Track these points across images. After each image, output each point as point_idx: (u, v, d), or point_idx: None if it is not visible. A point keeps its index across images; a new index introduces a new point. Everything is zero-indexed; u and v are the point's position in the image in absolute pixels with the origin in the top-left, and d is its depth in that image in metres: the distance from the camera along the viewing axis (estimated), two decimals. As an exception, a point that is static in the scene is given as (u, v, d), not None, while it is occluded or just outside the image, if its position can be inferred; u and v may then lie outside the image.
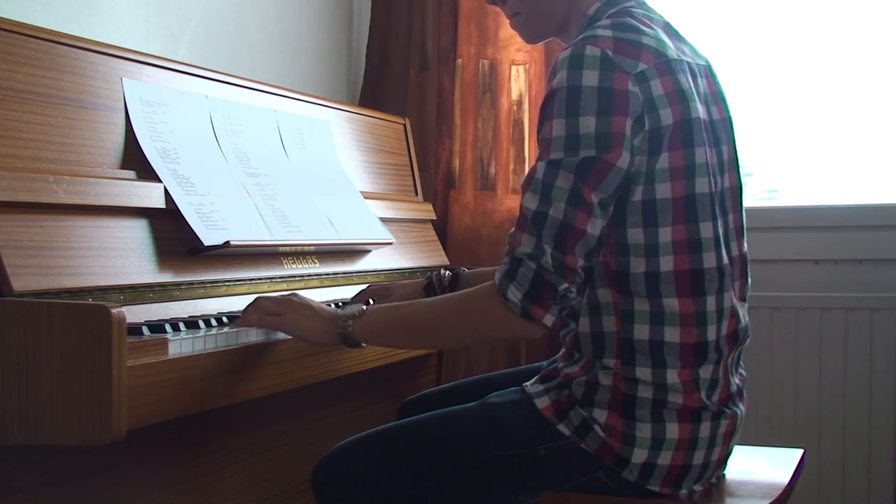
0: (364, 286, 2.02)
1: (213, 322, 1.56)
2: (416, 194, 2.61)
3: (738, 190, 1.56)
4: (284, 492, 2.03)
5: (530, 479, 1.48)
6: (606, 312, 1.45)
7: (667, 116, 1.40)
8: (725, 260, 1.47)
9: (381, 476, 1.49)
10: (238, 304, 1.74)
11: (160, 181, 1.65)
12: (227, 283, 1.74)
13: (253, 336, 1.52)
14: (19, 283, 1.32)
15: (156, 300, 1.57)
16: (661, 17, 1.56)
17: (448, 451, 1.49)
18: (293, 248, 1.92)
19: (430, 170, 2.80)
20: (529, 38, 1.66)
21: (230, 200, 1.79)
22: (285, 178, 2.00)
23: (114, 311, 1.21)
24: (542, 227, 1.36)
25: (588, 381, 1.45)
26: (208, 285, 1.69)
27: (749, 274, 1.57)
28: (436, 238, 2.57)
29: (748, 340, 1.55)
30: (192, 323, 1.51)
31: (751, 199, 2.87)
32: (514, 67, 2.76)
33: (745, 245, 1.57)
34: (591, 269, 1.45)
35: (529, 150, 2.74)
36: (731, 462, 1.57)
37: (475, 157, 2.79)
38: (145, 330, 1.41)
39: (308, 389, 1.68)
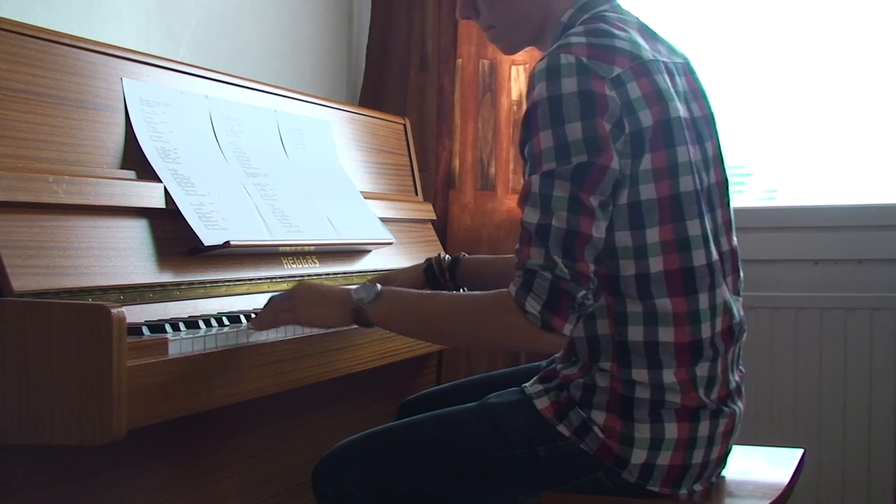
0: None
1: (213, 322, 1.56)
2: (416, 194, 2.61)
3: (724, 185, 1.56)
4: (284, 492, 2.03)
5: (530, 480, 1.48)
6: (600, 316, 1.45)
7: (646, 118, 1.40)
8: (716, 256, 1.47)
9: (381, 476, 1.49)
10: (238, 304, 1.75)
11: (160, 181, 1.65)
12: (227, 283, 1.74)
13: (253, 336, 1.52)
14: (19, 283, 1.32)
15: (156, 300, 1.57)
16: (636, 18, 1.56)
17: (448, 452, 1.49)
18: (293, 248, 1.92)
19: (430, 170, 2.80)
20: (506, 49, 1.67)
21: (230, 200, 1.79)
22: (285, 178, 2.00)
23: (114, 311, 1.21)
24: (548, 239, 1.36)
25: (586, 383, 1.45)
26: (208, 285, 1.69)
27: (741, 268, 1.57)
28: (436, 238, 2.57)
29: (744, 335, 1.55)
30: (192, 323, 1.51)
31: (751, 199, 2.87)
32: (514, 67, 2.76)
33: (735, 239, 1.57)
34: None
35: (529, 150, 2.74)
36: (730, 462, 1.57)
37: (475, 157, 2.79)
38: (145, 330, 1.41)
39: (308, 389, 1.68)
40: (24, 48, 1.50)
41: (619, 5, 1.56)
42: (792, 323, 2.59)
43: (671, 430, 1.43)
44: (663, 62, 1.49)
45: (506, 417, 1.48)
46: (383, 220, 2.26)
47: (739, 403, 1.53)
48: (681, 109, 1.46)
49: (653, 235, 1.41)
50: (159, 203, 1.64)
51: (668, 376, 1.42)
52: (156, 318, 1.50)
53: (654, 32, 1.57)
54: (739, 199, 2.87)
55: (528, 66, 2.74)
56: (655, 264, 1.42)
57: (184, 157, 1.75)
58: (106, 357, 1.21)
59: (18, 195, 1.38)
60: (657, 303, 1.42)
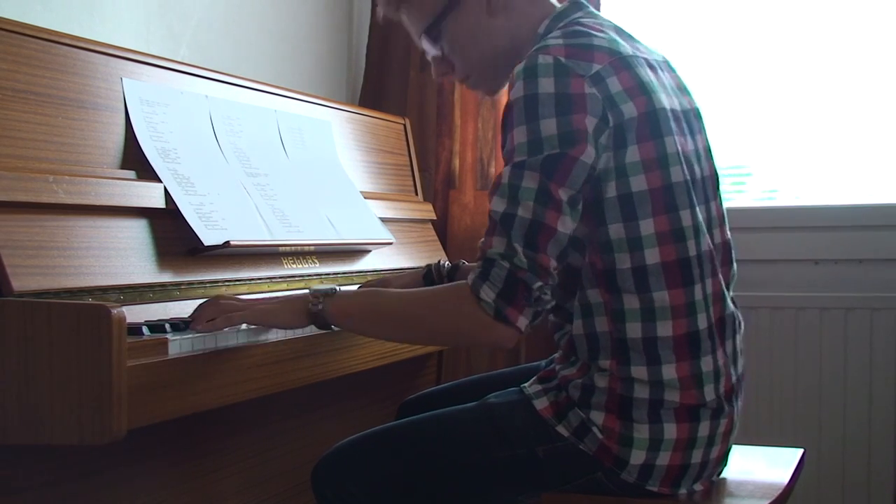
0: (364, 286, 2.02)
1: (213, 322, 1.56)
2: (416, 194, 2.61)
3: (715, 179, 1.57)
4: (284, 492, 2.04)
5: (529, 480, 1.48)
6: (598, 313, 1.45)
7: (630, 110, 1.41)
8: (709, 246, 1.47)
9: (381, 476, 1.49)
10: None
11: (160, 181, 1.65)
12: (227, 283, 1.74)
13: (252, 336, 1.52)
14: (19, 283, 1.32)
15: (156, 300, 1.57)
16: (612, 22, 1.57)
17: (447, 452, 1.49)
18: (293, 248, 1.92)
19: (430, 170, 2.81)
20: (491, 90, 1.67)
21: (230, 200, 1.79)
22: (285, 178, 2.00)
23: (114, 311, 1.21)
24: (512, 228, 1.36)
25: (584, 383, 1.45)
26: (208, 285, 1.69)
27: (734, 261, 1.57)
28: (436, 238, 2.57)
29: (742, 330, 1.55)
30: (189, 324, 1.51)
31: (751, 199, 2.87)
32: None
33: (728, 233, 1.57)
34: (580, 272, 1.45)
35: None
36: (730, 462, 1.57)
37: (475, 157, 2.79)
38: (145, 330, 1.41)
39: (308, 389, 1.68)
40: (24, 48, 1.50)
41: (593, 11, 1.57)
42: (792, 323, 2.59)
43: (670, 430, 1.42)
44: (643, 58, 1.50)
45: (505, 418, 1.48)
46: (383, 220, 2.26)
47: (738, 402, 1.53)
48: (666, 101, 1.47)
49: (647, 227, 1.41)
50: (159, 203, 1.64)
51: (668, 372, 1.42)
52: (156, 318, 1.50)
53: (630, 35, 1.58)
54: (739, 199, 2.87)
55: (528, 66, 2.73)
56: (652, 256, 1.42)
57: (184, 157, 1.75)
58: (106, 357, 1.21)
59: (18, 195, 1.38)
60: (655, 296, 1.42)
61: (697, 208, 1.47)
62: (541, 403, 1.47)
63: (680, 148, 1.46)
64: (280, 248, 1.88)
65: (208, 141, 1.85)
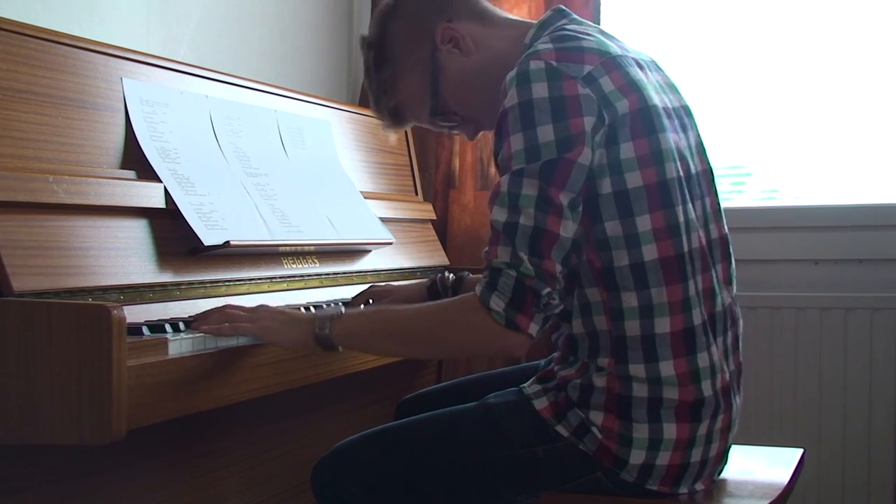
0: (364, 286, 2.02)
1: (213, 322, 1.56)
2: (416, 194, 2.61)
3: (709, 174, 1.57)
4: (284, 492, 2.04)
5: (529, 480, 1.48)
6: (597, 312, 1.45)
7: (623, 107, 1.41)
8: (700, 243, 1.47)
9: (381, 475, 1.49)
10: (238, 304, 1.74)
11: (160, 181, 1.65)
12: (227, 283, 1.74)
13: (252, 337, 1.52)
14: (19, 283, 1.32)
15: (156, 300, 1.57)
16: (597, 27, 1.58)
17: (447, 452, 1.49)
18: (293, 248, 1.92)
19: (430, 170, 2.80)
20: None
21: (230, 200, 1.79)
22: (285, 178, 2.00)
23: (114, 311, 1.21)
24: (515, 236, 1.36)
25: (583, 383, 1.45)
26: (208, 285, 1.69)
27: (732, 256, 1.58)
28: (436, 238, 2.57)
29: (739, 326, 1.55)
30: (192, 323, 1.51)
31: (751, 199, 2.87)
32: (514, 67, 2.76)
33: (726, 228, 1.58)
34: (578, 270, 1.45)
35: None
36: (730, 462, 1.57)
37: (475, 157, 2.79)
38: (145, 330, 1.41)
39: (308, 389, 1.68)
40: (24, 48, 1.50)
41: (577, 18, 1.58)
42: (792, 323, 2.59)
43: (669, 429, 1.42)
44: (632, 58, 1.51)
45: (505, 418, 1.48)
46: (383, 220, 2.26)
47: (737, 398, 1.53)
48: (657, 99, 1.47)
49: (644, 223, 1.42)
50: (159, 203, 1.64)
51: (666, 369, 1.42)
52: (156, 318, 1.50)
53: (616, 38, 1.58)
54: (739, 199, 2.87)
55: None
56: (649, 252, 1.42)
57: (184, 157, 1.75)
58: (106, 357, 1.21)
59: (18, 195, 1.38)
60: (653, 292, 1.42)
61: (691, 204, 1.47)
62: (540, 403, 1.47)
63: (674, 144, 1.46)
64: (280, 248, 1.88)
65: (208, 141, 1.85)
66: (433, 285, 1.93)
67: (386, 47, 1.64)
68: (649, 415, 1.42)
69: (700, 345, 1.44)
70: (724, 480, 1.56)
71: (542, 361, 1.73)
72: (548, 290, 1.36)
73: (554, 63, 1.40)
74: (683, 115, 1.55)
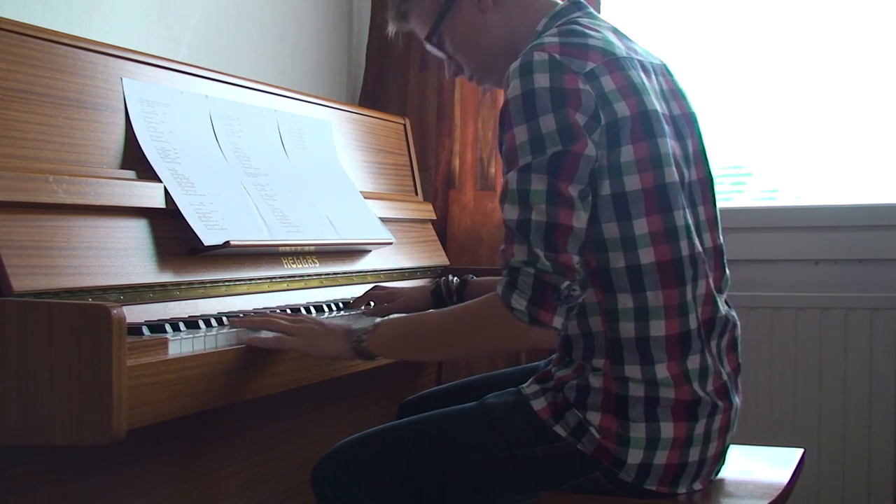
0: (364, 286, 2.02)
1: (213, 322, 1.56)
2: (416, 194, 2.61)
3: (708, 182, 1.57)
4: (284, 492, 2.04)
5: (528, 480, 1.48)
6: (592, 313, 1.45)
7: (622, 109, 1.41)
8: (699, 248, 1.47)
9: (381, 475, 1.49)
10: (238, 304, 1.75)
11: (160, 181, 1.65)
12: (227, 283, 1.74)
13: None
14: (19, 283, 1.33)
15: (156, 300, 1.57)
16: (610, 24, 1.58)
17: (446, 452, 1.49)
18: (293, 248, 1.92)
19: (430, 170, 2.80)
20: (500, 84, 1.64)
21: (230, 200, 1.79)
22: (285, 178, 2.00)
23: (114, 311, 1.21)
24: (529, 233, 1.37)
25: (579, 384, 1.45)
26: (208, 285, 1.69)
27: (726, 266, 1.57)
28: (436, 238, 2.57)
29: (736, 331, 1.55)
30: (192, 323, 1.51)
31: (751, 199, 2.87)
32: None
33: (721, 238, 1.57)
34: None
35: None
36: (730, 462, 1.57)
37: (475, 157, 2.79)
38: (145, 330, 1.41)
39: (308, 389, 1.68)
40: (24, 48, 1.50)
41: (592, 12, 1.58)
42: (792, 323, 2.59)
43: (667, 429, 1.43)
44: (638, 60, 1.51)
45: (503, 418, 1.48)
46: (383, 220, 2.26)
47: (736, 398, 1.53)
48: (657, 104, 1.47)
49: (641, 226, 1.42)
50: (159, 203, 1.64)
51: (661, 371, 1.42)
52: (156, 318, 1.50)
53: (627, 36, 1.59)
54: (739, 199, 2.87)
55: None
56: (646, 255, 1.42)
57: (184, 156, 1.75)
58: (106, 357, 1.21)
59: (18, 195, 1.38)
60: (649, 295, 1.42)
61: (687, 211, 1.47)
62: (538, 404, 1.47)
63: (671, 150, 1.46)
64: (280, 248, 1.88)
65: (208, 141, 1.85)
66: (437, 289, 1.93)
67: None
68: (646, 414, 1.42)
69: (694, 348, 1.44)
70: (723, 480, 1.56)
71: (542, 362, 1.73)
72: (567, 282, 1.36)
73: (557, 56, 1.41)
74: (684, 123, 1.55)
